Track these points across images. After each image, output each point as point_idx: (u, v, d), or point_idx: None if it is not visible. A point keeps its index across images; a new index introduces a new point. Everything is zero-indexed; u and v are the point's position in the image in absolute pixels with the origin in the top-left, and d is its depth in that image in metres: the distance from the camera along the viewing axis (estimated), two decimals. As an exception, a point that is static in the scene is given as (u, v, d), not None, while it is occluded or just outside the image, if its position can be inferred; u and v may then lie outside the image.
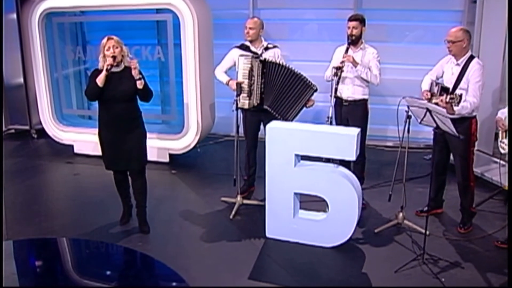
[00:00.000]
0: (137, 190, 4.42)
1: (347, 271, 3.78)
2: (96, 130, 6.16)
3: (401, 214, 4.35)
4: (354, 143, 3.79)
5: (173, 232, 4.46)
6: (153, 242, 4.27)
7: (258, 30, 4.82)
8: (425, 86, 4.37)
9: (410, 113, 4.11)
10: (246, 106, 4.72)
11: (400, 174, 5.31)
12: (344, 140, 3.83)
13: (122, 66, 4.17)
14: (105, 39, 4.11)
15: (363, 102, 4.75)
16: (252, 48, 4.83)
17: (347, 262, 3.92)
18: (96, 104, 6.74)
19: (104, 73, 4.03)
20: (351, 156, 3.84)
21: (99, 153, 6.12)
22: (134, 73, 4.06)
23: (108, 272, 3.96)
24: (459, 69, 4.10)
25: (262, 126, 4.97)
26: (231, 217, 4.65)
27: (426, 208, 4.64)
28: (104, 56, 4.09)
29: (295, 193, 4.11)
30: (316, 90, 4.65)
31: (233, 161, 6.19)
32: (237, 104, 4.60)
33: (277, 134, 4.03)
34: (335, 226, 4.02)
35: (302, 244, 4.13)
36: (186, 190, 5.40)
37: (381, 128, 6.59)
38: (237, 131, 4.75)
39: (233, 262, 3.92)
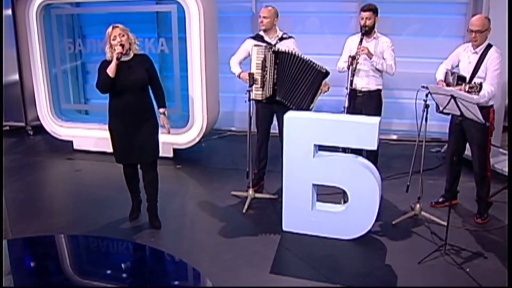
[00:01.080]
0: (148, 183, 4.27)
1: (370, 263, 3.70)
2: (96, 125, 6.14)
3: (418, 206, 4.29)
4: (375, 132, 3.72)
5: (186, 227, 4.34)
6: (166, 238, 4.15)
7: (273, 19, 4.69)
8: (440, 75, 4.32)
9: (428, 102, 4.09)
10: (259, 98, 4.62)
11: (409, 167, 5.31)
12: (366, 129, 3.74)
13: (131, 55, 4.04)
14: (110, 28, 3.98)
15: (378, 92, 4.70)
16: (266, 38, 4.71)
17: (369, 254, 3.84)
18: (93, 98, 6.72)
19: (114, 62, 3.90)
20: (372, 145, 3.76)
21: (100, 148, 6.10)
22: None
23: (122, 269, 3.78)
24: (476, 57, 4.05)
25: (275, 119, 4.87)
26: (244, 211, 4.53)
27: (441, 199, 4.62)
28: (111, 46, 3.96)
29: (314, 185, 4.01)
30: (326, 74, 4.50)
31: (239, 155, 6.16)
32: (249, 95, 4.48)
33: (296, 123, 3.92)
34: (355, 218, 3.93)
35: (319, 237, 4.04)
36: (194, 185, 5.27)
37: (385, 121, 6.53)
38: (250, 123, 4.63)
39: (251, 257, 3.81)
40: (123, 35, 3.94)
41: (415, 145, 4.20)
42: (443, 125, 5.89)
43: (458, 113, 3.57)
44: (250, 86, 4.47)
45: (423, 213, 4.29)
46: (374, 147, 3.78)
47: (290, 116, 3.96)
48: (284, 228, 4.16)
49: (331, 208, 4.11)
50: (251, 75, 4.47)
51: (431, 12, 6.22)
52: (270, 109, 4.74)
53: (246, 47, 4.79)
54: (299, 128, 3.90)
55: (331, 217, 4.03)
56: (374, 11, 4.56)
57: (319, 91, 4.54)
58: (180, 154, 5.97)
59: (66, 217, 4.52)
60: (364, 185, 3.85)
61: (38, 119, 6.85)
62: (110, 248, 3.99)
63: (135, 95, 4.03)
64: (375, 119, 3.79)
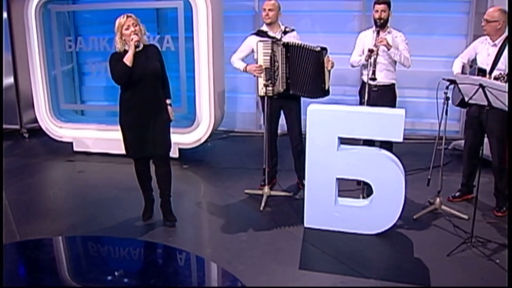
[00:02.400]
0: (161, 178, 4.15)
1: (399, 257, 3.64)
2: (97, 126, 5.97)
3: (438, 200, 4.26)
4: (402, 123, 3.67)
5: (203, 225, 4.22)
6: (184, 237, 4.02)
7: (277, 12, 4.61)
8: (457, 69, 4.31)
9: (448, 95, 4.08)
10: (270, 94, 4.51)
11: (419, 164, 5.29)
12: (392, 120, 3.69)
13: (141, 45, 3.94)
14: (123, 17, 3.87)
15: (392, 86, 4.67)
16: (271, 33, 4.62)
17: (396, 248, 3.77)
18: (89, 100, 6.51)
19: (132, 50, 3.80)
20: (398, 137, 3.70)
21: (102, 150, 5.92)
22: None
23: (146, 270, 3.63)
24: (495, 49, 4.06)
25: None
26: (261, 208, 4.42)
27: (457, 194, 4.59)
28: (122, 36, 3.85)
29: (337, 179, 3.94)
30: (323, 50, 4.37)
31: (245, 154, 6.08)
32: (266, 88, 4.39)
33: (319, 116, 3.85)
34: (380, 212, 3.87)
35: (342, 233, 3.96)
36: (204, 184, 5.15)
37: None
38: (264, 118, 4.55)
39: (277, 253, 3.70)
40: (136, 25, 3.86)
41: (437, 137, 4.18)
42: (449, 123, 5.96)
43: (486, 102, 3.55)
44: (267, 80, 4.38)
45: (443, 207, 4.26)
46: (400, 139, 3.72)
47: (314, 109, 3.88)
48: (306, 224, 4.07)
49: (354, 202, 4.04)
50: (267, 69, 4.39)
51: (434, 11, 6.25)
52: (279, 103, 4.63)
53: (249, 44, 4.69)
54: (323, 121, 3.83)
55: (355, 212, 3.96)
56: (388, 4, 4.55)
57: (325, 69, 4.42)
58: (185, 154, 5.82)
59: (76, 218, 4.33)
60: (390, 178, 3.79)
61: (34, 122, 6.67)
62: (132, 249, 3.86)
63: (151, 85, 3.94)
64: (401, 111, 3.74)
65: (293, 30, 4.72)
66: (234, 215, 4.37)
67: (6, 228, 4.10)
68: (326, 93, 4.50)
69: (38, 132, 6.79)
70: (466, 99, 3.73)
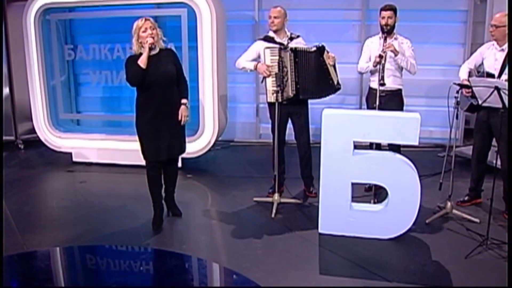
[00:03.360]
0: (169, 176, 4.31)
1: (418, 260, 3.62)
2: (98, 136, 5.87)
3: (449, 204, 4.27)
4: (417, 126, 3.69)
5: (216, 233, 4.14)
6: (198, 245, 3.95)
7: (283, 19, 4.63)
8: (464, 75, 4.38)
9: (459, 99, 4.13)
10: (280, 100, 4.50)
11: (422, 170, 5.29)
12: (408, 124, 3.71)
13: (157, 49, 3.99)
14: (141, 20, 3.94)
15: (400, 92, 4.71)
16: (277, 39, 4.63)
17: (413, 251, 3.76)
18: (85, 111, 6.40)
19: (146, 53, 3.85)
20: (414, 140, 3.72)
21: (103, 160, 5.81)
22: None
23: (167, 278, 3.53)
24: (503, 54, 4.12)
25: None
26: (272, 215, 4.38)
27: (466, 198, 4.62)
28: (138, 39, 3.90)
29: (352, 184, 3.92)
30: (320, 48, 4.46)
31: (248, 163, 6.06)
32: (277, 96, 4.37)
33: (334, 120, 3.84)
34: (395, 216, 3.86)
35: (357, 238, 3.93)
36: (211, 193, 5.08)
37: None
38: (273, 124, 4.52)
39: (295, 259, 3.65)
40: (154, 28, 3.92)
41: (449, 140, 4.26)
42: (444, 131, 6.03)
43: (500, 105, 3.60)
44: (277, 86, 4.37)
45: (454, 211, 4.28)
46: (416, 142, 3.74)
47: (329, 113, 3.87)
48: (321, 230, 4.03)
49: (369, 207, 4.03)
50: (277, 75, 4.38)
51: (432, 20, 6.35)
52: (287, 109, 4.62)
53: (256, 49, 4.70)
54: (338, 125, 3.82)
55: (370, 217, 3.94)
56: (395, 10, 4.60)
57: (328, 65, 4.45)
58: (188, 164, 5.74)
59: (84, 228, 4.21)
60: (406, 181, 3.79)
61: (29, 133, 6.55)
62: (148, 259, 3.76)
63: (165, 88, 3.98)
64: (416, 114, 3.76)
65: (298, 36, 4.75)
66: (246, 223, 4.31)
67: (11, 239, 3.97)
68: (336, 88, 4.54)
69: (33, 143, 6.68)
70: (480, 102, 3.77)
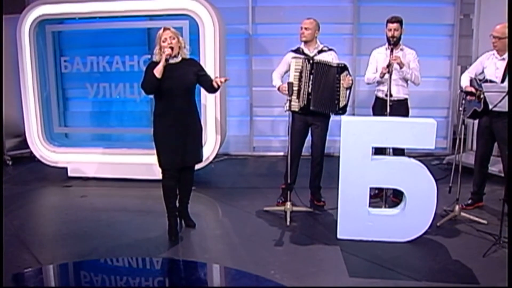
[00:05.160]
0: (184, 186, 4.27)
1: (439, 260, 3.73)
2: (95, 150, 5.74)
3: (457, 207, 4.42)
4: (434, 131, 3.82)
5: (235, 243, 4.10)
6: (220, 254, 3.92)
7: (314, 31, 4.70)
8: (466, 82, 4.56)
9: (465, 106, 4.32)
10: (295, 109, 4.57)
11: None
12: (425, 129, 3.85)
13: (179, 58, 4.01)
14: (162, 29, 3.97)
15: (406, 101, 4.85)
16: (306, 51, 4.71)
17: (433, 252, 3.87)
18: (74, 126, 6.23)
19: (162, 63, 3.85)
20: (431, 144, 3.86)
21: (101, 174, 5.67)
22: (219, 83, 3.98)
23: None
24: (504, 63, 4.35)
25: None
26: (287, 224, 4.40)
27: (470, 202, 4.78)
28: (160, 48, 3.91)
29: (370, 188, 4.02)
30: (343, 68, 4.58)
31: (250, 175, 6.11)
32: (289, 105, 4.44)
33: (353, 127, 3.94)
34: (412, 219, 3.97)
35: (376, 242, 4.00)
36: (219, 204, 5.04)
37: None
38: (288, 133, 4.55)
39: (321, 264, 3.69)
40: (174, 38, 3.93)
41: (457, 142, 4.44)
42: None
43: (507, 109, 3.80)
44: (290, 95, 4.44)
45: (462, 213, 4.43)
46: (433, 146, 3.88)
47: (348, 120, 3.98)
48: (339, 236, 4.08)
49: (386, 212, 4.12)
50: (290, 84, 4.45)
51: (419, 34, 6.57)
52: (305, 120, 4.70)
53: (287, 60, 4.77)
54: (357, 131, 3.91)
55: (387, 221, 4.04)
56: (400, 22, 4.76)
57: (341, 86, 4.55)
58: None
59: (97, 241, 4.10)
60: (422, 185, 3.91)
61: (17, 149, 6.35)
62: (177, 270, 3.70)
63: (181, 98, 3.98)
64: (431, 120, 3.91)
65: (331, 49, 4.80)
66: (262, 231, 4.30)
67: (24, 254, 3.83)
68: (339, 110, 4.60)
69: (21, 159, 6.49)
70: (491, 106, 3.95)
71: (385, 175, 3.95)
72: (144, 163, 5.62)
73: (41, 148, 5.81)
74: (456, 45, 6.52)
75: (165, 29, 3.93)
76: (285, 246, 4.00)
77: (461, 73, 6.58)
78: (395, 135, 3.89)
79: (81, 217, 4.68)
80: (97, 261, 3.77)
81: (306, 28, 4.68)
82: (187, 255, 3.86)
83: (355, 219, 4.02)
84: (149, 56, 5.60)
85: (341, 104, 4.60)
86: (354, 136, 3.92)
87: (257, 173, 6.17)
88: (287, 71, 4.72)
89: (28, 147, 6.05)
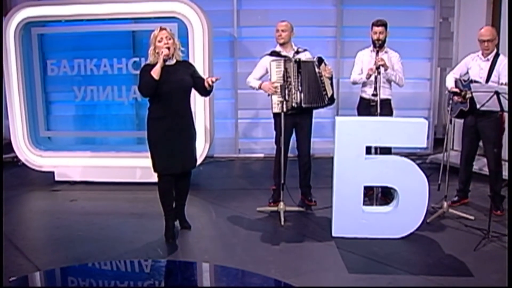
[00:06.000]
0: (181, 190, 4.24)
1: (434, 255, 3.85)
2: (83, 153, 5.67)
3: (445, 204, 4.57)
4: (425, 130, 3.95)
5: (232, 243, 4.13)
6: (219, 255, 3.94)
7: (290, 33, 4.82)
8: (451, 83, 4.71)
9: (451, 106, 4.48)
10: (285, 110, 4.63)
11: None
12: (416, 128, 3.97)
13: (174, 60, 3.95)
14: (157, 29, 3.91)
15: (389, 101, 4.96)
16: (284, 53, 4.80)
17: (425, 247, 3.99)
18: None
19: (160, 64, 3.79)
20: (422, 143, 3.99)
21: (89, 178, 5.61)
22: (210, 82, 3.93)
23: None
24: (488, 64, 4.52)
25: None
26: (282, 223, 4.45)
27: (456, 198, 4.94)
28: (155, 48, 3.86)
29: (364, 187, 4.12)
30: (320, 60, 4.69)
31: (238, 177, 6.14)
32: (282, 106, 4.50)
33: (347, 126, 4.03)
34: (405, 216, 4.08)
35: (370, 239, 4.10)
36: (212, 206, 5.04)
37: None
38: (278, 135, 4.63)
39: (319, 261, 3.77)
40: (170, 38, 3.88)
41: (445, 144, 4.60)
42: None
43: (498, 108, 3.94)
44: (283, 97, 4.50)
45: (450, 210, 4.58)
46: (424, 145, 4.02)
47: (342, 120, 4.07)
48: (334, 234, 4.16)
49: (379, 209, 4.22)
50: (282, 86, 4.51)
51: (400, 36, 6.72)
52: (293, 120, 4.76)
53: (264, 64, 4.83)
54: (351, 131, 4.01)
55: (381, 218, 4.14)
56: (385, 26, 4.89)
57: (323, 77, 4.65)
58: (178, 179, 5.70)
59: (93, 245, 4.06)
60: (415, 183, 4.04)
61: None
62: (179, 270, 3.70)
63: (178, 100, 3.94)
64: (422, 120, 4.03)
65: (305, 50, 4.92)
66: (258, 231, 4.34)
67: (19, 259, 3.78)
68: (330, 101, 4.72)
69: (5, 164, 6.31)
70: (478, 106, 4.10)
71: (378, 174, 4.05)
72: (131, 166, 5.61)
73: (27, 153, 5.70)
74: (436, 47, 6.72)
75: (161, 28, 3.87)
76: (282, 245, 4.05)
77: (441, 75, 6.87)
78: (388, 134, 4.01)
79: (74, 221, 4.62)
80: (96, 264, 3.73)
81: (283, 31, 4.78)
82: (187, 257, 3.87)
83: (350, 217, 4.12)
84: (136, 59, 5.74)
85: (329, 94, 4.71)
86: (348, 136, 4.01)
87: (244, 175, 6.22)
88: (263, 75, 4.80)
89: (10, 152, 5.95)
